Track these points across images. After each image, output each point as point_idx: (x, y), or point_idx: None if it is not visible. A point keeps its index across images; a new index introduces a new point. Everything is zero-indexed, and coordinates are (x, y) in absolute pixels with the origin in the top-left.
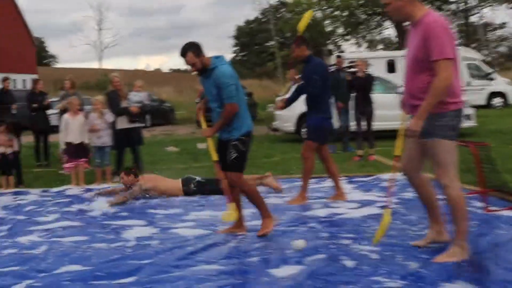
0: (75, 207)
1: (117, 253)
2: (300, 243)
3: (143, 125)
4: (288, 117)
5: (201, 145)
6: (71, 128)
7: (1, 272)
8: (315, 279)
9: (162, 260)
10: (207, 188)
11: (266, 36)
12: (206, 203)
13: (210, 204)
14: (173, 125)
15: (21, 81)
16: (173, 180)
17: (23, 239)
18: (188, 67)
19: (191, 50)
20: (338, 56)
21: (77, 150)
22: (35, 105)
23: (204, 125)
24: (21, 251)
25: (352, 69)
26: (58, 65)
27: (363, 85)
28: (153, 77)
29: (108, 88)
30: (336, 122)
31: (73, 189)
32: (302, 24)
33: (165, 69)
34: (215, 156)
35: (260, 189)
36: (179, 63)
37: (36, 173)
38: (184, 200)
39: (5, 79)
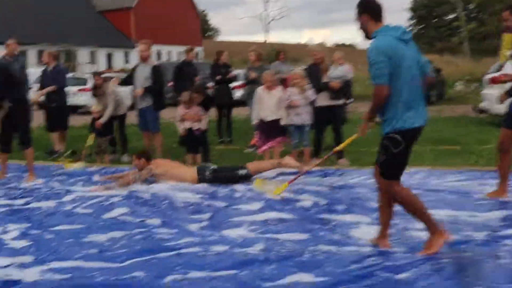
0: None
1: (357, 259)
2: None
3: (346, 101)
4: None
5: None
6: (266, 103)
7: (214, 277)
8: None
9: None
10: (223, 175)
11: (446, 8)
12: None
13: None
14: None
15: (176, 53)
16: (188, 167)
17: (231, 233)
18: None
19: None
20: None
21: (271, 128)
22: (218, 78)
23: None
24: (233, 249)
25: None
26: (220, 38)
27: None
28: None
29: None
30: None
31: (268, 172)
32: None
33: (329, 43)
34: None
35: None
36: (344, 38)
37: (219, 151)
38: None
39: (189, 50)
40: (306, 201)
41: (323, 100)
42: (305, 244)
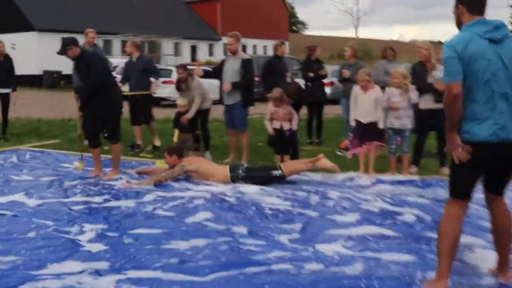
0: (375, 206)
1: None
2: None
3: None
4: None
5: None
6: (361, 104)
7: None
8: None
9: None
10: (256, 175)
11: None
12: None
13: None
14: None
15: (261, 47)
16: (220, 165)
17: (326, 249)
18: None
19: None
20: None
21: (367, 131)
22: (311, 74)
23: None
24: (329, 268)
25: None
26: (308, 32)
27: None
28: (406, 48)
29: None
30: None
31: (362, 178)
32: None
33: (426, 40)
34: None
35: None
36: (435, 35)
37: (308, 152)
38: None
39: (280, 44)
40: (408, 214)
41: (427, 102)
42: (412, 268)
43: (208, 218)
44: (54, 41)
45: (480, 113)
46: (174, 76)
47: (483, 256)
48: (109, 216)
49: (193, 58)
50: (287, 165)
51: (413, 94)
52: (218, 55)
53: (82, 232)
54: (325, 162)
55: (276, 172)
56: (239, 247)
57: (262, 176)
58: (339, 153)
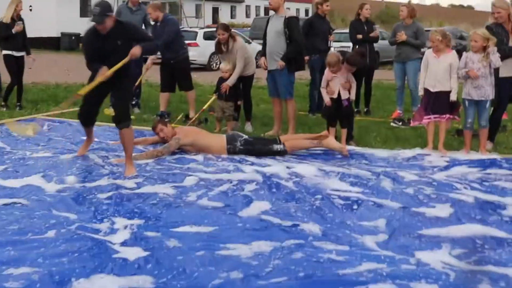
0: (467, 194)
1: None
2: None
3: None
4: None
5: None
6: (433, 70)
7: None
8: None
9: None
10: (256, 148)
11: None
12: None
13: None
14: None
15: (303, 11)
16: (217, 136)
17: (431, 259)
18: None
19: None
20: None
21: (438, 102)
22: (359, 36)
23: None
24: None
25: None
26: None
27: None
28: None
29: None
30: None
31: (433, 156)
32: None
33: (444, 4)
34: None
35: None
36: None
37: (357, 123)
38: None
39: (322, 2)
40: None
41: (509, 69)
42: None
43: (267, 210)
44: (73, 3)
45: None
46: (198, 38)
47: None
48: (145, 207)
49: (214, 20)
50: (288, 139)
51: (495, 58)
52: (240, 17)
53: (113, 230)
54: (331, 141)
55: (278, 147)
56: (318, 255)
57: (262, 150)
58: (394, 124)
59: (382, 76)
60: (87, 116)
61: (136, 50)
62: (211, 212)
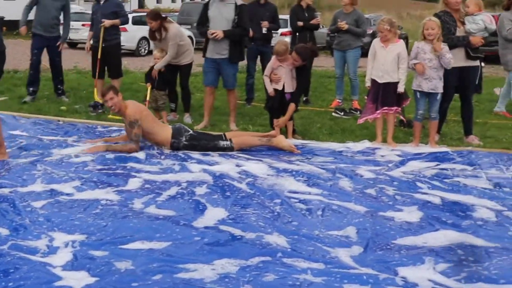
0: (432, 194)
1: None
2: None
3: (482, 64)
4: None
5: None
6: (380, 61)
7: None
8: None
9: None
10: (201, 144)
11: None
12: None
13: None
14: None
15: None
16: (163, 125)
17: (418, 278)
18: None
19: None
20: None
21: (385, 93)
22: (300, 23)
23: None
24: None
25: None
26: None
27: None
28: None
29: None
30: None
31: (382, 150)
32: None
33: None
34: None
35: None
36: None
37: (298, 114)
38: None
39: None
40: (483, 209)
41: (456, 60)
42: None
43: (224, 219)
44: None
45: None
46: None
47: None
48: (87, 218)
49: (141, 5)
50: (236, 136)
51: (447, 55)
52: (166, 2)
53: (52, 249)
54: (281, 140)
55: (224, 143)
56: (293, 277)
57: (206, 146)
58: (335, 114)
59: (315, 63)
60: None
61: None
62: (163, 223)
